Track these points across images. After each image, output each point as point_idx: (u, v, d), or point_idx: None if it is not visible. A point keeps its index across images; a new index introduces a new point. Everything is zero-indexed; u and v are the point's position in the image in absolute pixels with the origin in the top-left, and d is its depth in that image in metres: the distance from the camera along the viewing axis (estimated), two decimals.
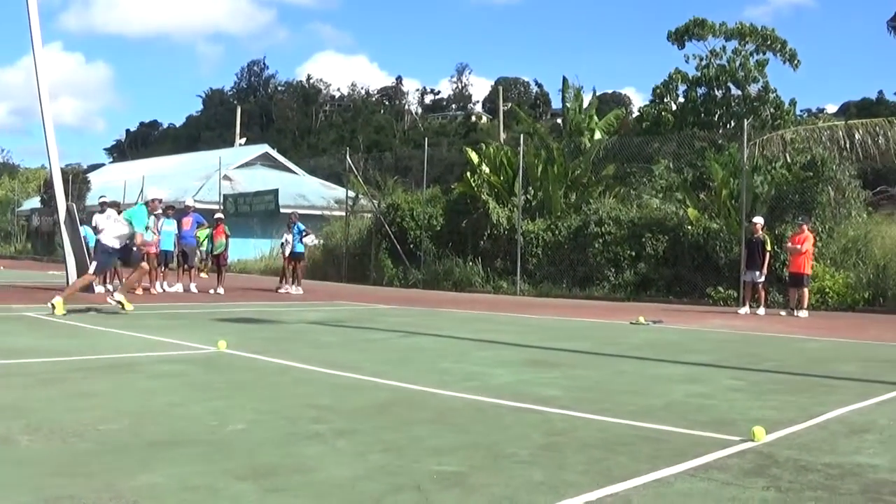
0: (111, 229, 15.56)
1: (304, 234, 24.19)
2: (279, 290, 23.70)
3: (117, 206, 20.28)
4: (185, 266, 22.72)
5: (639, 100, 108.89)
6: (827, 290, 21.09)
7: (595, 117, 32.98)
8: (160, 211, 21.33)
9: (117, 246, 15.22)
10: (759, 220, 20.03)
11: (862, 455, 5.09)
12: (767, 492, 4.22)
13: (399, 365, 9.13)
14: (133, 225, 15.26)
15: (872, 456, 5.07)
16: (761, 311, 19.30)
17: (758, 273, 19.51)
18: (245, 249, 29.00)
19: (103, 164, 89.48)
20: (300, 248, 24.18)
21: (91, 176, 57.84)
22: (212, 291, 21.82)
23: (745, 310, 19.33)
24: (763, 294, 19.80)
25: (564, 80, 35.34)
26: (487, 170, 29.42)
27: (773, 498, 4.12)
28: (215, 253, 23.23)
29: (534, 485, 4.27)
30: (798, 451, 5.13)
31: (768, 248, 19.74)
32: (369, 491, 4.10)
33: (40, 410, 5.93)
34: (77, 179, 49.56)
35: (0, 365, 8.23)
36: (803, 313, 18.78)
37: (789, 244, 19.75)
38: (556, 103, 36.93)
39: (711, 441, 5.36)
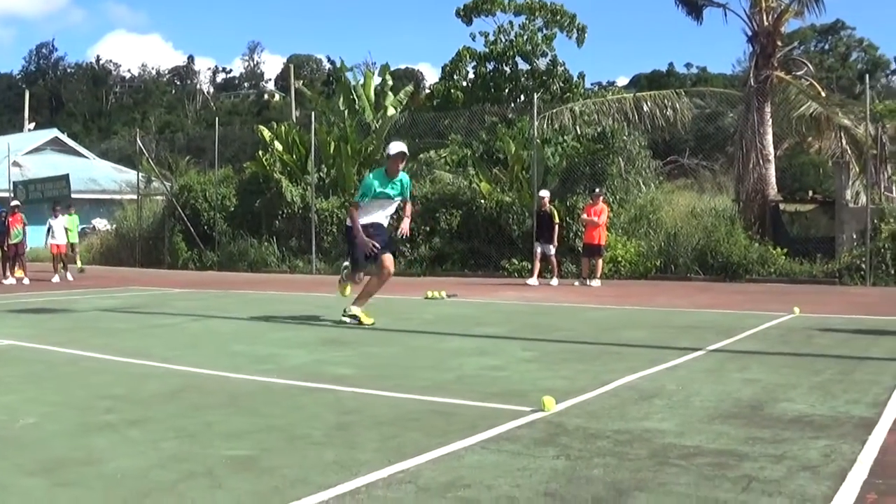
0: None
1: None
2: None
3: None
4: None
5: (433, 75, 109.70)
6: (619, 259, 21.71)
7: (390, 94, 33.11)
8: None
9: None
10: (545, 194, 20.45)
11: (650, 420, 5.18)
12: (557, 460, 4.23)
13: (191, 349, 8.89)
14: None
15: (660, 421, 5.16)
16: (554, 281, 19.71)
17: (549, 245, 19.90)
18: (38, 237, 27.79)
19: None
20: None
21: None
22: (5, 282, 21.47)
23: (534, 281, 19.68)
24: (556, 265, 20.20)
25: (341, 61, 35.62)
26: (280, 148, 29.11)
27: (563, 466, 4.13)
28: (13, 242, 22.23)
29: (326, 465, 4.22)
30: (588, 419, 5.18)
31: (556, 220, 20.15)
32: (161, 479, 3.99)
33: None
34: None
35: None
36: (596, 283, 19.27)
37: (584, 216, 20.18)
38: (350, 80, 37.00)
39: (502, 412, 5.36)
